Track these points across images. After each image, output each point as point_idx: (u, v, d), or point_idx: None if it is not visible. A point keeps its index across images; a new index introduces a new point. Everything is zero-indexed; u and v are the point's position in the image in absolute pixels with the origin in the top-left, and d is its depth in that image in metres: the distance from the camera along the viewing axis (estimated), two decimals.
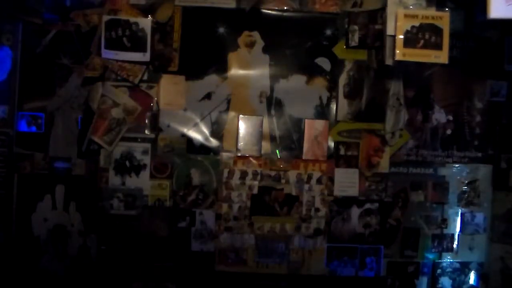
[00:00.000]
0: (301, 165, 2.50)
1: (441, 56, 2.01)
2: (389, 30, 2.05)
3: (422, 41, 2.00)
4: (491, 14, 1.63)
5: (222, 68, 2.48)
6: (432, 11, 2.04)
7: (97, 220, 2.46)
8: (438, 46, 2.00)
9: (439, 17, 2.01)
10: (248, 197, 2.49)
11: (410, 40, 2.00)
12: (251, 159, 2.49)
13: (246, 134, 2.48)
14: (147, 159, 2.46)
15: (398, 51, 2.01)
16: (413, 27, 1.99)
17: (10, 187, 2.47)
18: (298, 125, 2.51)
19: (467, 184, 2.59)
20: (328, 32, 2.50)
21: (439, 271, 2.59)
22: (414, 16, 2.01)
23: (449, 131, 2.58)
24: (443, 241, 2.59)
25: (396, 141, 2.51)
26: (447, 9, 2.07)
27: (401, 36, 1.99)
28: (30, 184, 2.48)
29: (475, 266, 2.61)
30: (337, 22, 2.50)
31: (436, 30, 2.00)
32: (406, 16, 2.00)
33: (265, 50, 2.49)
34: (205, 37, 2.47)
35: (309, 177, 2.51)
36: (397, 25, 2.00)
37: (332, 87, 2.51)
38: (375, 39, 2.42)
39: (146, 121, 2.46)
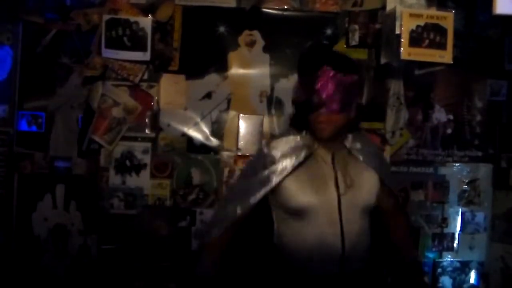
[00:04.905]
0: None
1: (446, 56, 2.01)
2: (397, 29, 2.05)
3: (427, 41, 2.00)
4: (496, 10, 1.62)
5: (222, 67, 2.47)
6: (435, 11, 2.04)
7: (98, 220, 2.45)
8: (442, 46, 2.00)
9: (443, 17, 2.01)
10: None
11: (415, 40, 2.00)
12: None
13: (247, 133, 2.47)
14: (147, 159, 2.45)
15: (403, 50, 2.01)
16: (418, 26, 1.99)
17: (10, 186, 2.47)
18: None
19: (467, 183, 2.59)
20: (329, 31, 2.50)
21: (439, 270, 2.59)
22: (419, 16, 2.01)
23: (449, 130, 2.58)
24: (443, 240, 2.58)
25: (396, 141, 2.50)
26: (450, 8, 2.07)
27: (406, 36, 1.99)
28: (31, 184, 2.48)
29: (475, 265, 2.61)
30: (338, 21, 2.49)
31: (441, 30, 2.00)
32: (411, 15, 2.00)
33: (265, 49, 2.48)
34: (206, 36, 2.47)
35: None
36: (402, 25, 2.00)
37: None
38: (376, 39, 2.42)
39: (147, 121, 2.45)
